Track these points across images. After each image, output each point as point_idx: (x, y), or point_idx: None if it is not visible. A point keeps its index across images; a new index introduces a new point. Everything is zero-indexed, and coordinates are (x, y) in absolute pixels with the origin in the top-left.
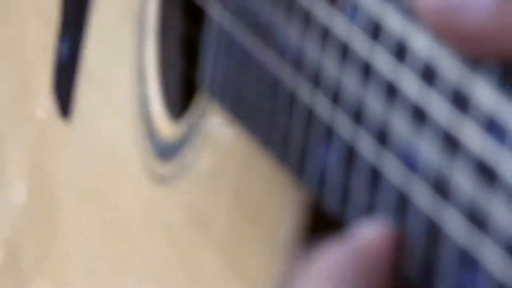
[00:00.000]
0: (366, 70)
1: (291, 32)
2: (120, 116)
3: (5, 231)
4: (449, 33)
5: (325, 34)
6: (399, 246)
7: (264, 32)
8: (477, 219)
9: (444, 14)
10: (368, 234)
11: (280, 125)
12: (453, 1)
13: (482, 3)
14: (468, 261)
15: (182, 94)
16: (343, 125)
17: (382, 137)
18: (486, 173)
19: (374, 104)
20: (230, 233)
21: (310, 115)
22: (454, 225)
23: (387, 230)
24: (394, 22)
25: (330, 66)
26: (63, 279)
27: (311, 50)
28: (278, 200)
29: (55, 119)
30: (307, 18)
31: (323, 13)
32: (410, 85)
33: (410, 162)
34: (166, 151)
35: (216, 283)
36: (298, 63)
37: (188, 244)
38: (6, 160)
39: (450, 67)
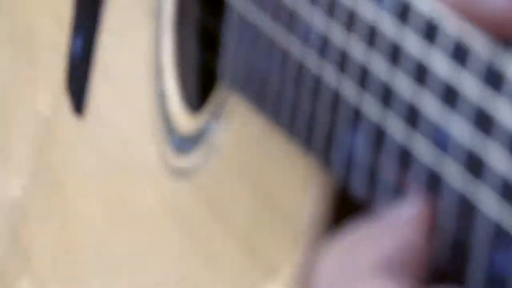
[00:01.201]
0: (394, 52)
1: (315, 17)
2: (137, 111)
3: (9, 224)
4: (473, 19)
5: (351, 17)
6: (433, 226)
7: (287, 18)
8: (510, 197)
9: (466, 3)
10: (403, 213)
11: (306, 111)
12: None
13: None
14: (501, 240)
15: (200, 87)
16: (371, 108)
17: (412, 118)
18: None
19: (403, 85)
20: (250, 223)
21: (336, 99)
22: (488, 203)
23: (422, 209)
24: (423, 3)
25: (357, 49)
26: (76, 276)
27: (337, 34)
28: (299, 188)
29: (65, 115)
30: (331, 2)
31: None
32: (441, 64)
33: (441, 142)
34: (184, 145)
35: (236, 272)
36: (323, 47)
37: (206, 235)
38: (10, 153)
39: (481, 45)
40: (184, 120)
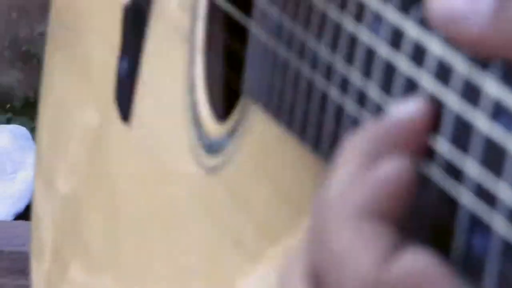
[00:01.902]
0: (388, 76)
1: (321, 48)
2: (173, 119)
3: (67, 214)
4: (456, 39)
5: (351, 47)
6: (433, 122)
7: (299, 47)
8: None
9: (450, 22)
10: (405, 109)
11: (313, 122)
12: (457, 11)
13: (480, 13)
14: (478, 226)
15: (226, 100)
16: (365, 119)
17: None
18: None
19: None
20: (268, 211)
21: (338, 113)
22: (467, 198)
23: (423, 106)
24: (413, 30)
25: (355, 74)
26: (120, 259)
27: (339, 61)
28: (309, 183)
29: (114, 122)
30: (334, 34)
31: (349, 28)
32: (427, 83)
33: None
34: (213, 147)
35: (256, 252)
36: (328, 71)
37: (231, 221)
38: (69, 153)
39: (461, 63)
40: (213, 127)
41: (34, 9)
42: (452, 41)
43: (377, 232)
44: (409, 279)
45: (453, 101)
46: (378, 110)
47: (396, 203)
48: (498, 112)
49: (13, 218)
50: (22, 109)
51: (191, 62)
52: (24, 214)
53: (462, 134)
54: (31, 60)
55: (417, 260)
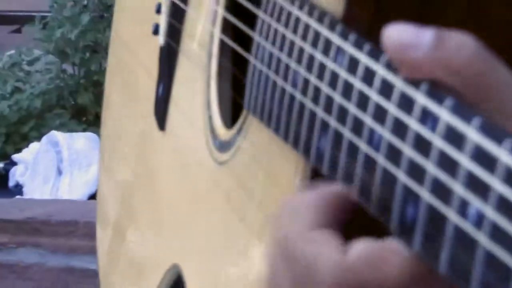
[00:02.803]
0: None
1: (299, 73)
2: (196, 128)
3: (124, 196)
4: (401, 60)
5: (321, 72)
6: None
7: (284, 73)
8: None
9: (400, 47)
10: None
11: (294, 128)
12: (406, 40)
13: (423, 44)
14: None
15: (232, 113)
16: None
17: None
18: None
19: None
20: (264, 192)
21: (312, 121)
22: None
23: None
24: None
25: (325, 89)
26: (161, 227)
27: (313, 81)
28: (291, 169)
29: (154, 130)
30: (308, 63)
31: (318, 58)
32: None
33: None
34: (223, 147)
35: (258, 225)
36: (305, 89)
37: (238, 202)
38: (125, 152)
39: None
40: (223, 132)
41: (101, 50)
42: (397, 63)
43: (326, 236)
44: (366, 259)
45: (391, 108)
46: (341, 113)
47: (337, 215)
48: (426, 117)
49: (87, 198)
50: (93, 121)
51: (208, 87)
52: (95, 195)
53: (398, 130)
54: (100, 86)
55: (366, 246)
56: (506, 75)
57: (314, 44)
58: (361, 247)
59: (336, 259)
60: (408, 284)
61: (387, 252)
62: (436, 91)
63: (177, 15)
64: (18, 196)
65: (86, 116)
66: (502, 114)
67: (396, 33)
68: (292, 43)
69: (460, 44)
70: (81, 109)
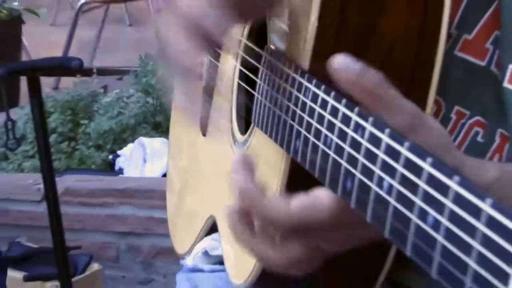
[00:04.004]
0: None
1: (289, 107)
2: (223, 134)
3: (181, 179)
4: (339, 79)
5: (303, 108)
6: None
7: (275, 101)
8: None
9: (340, 69)
10: None
11: (281, 136)
12: (342, 65)
13: (352, 69)
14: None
15: (244, 125)
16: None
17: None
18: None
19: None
20: (262, 171)
21: (299, 133)
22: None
23: None
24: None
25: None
26: (204, 192)
27: (297, 110)
28: (279, 158)
29: (199, 136)
30: (295, 99)
31: (299, 97)
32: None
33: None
34: (239, 145)
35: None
36: (293, 115)
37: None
38: (182, 151)
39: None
40: (239, 137)
41: None
42: (336, 80)
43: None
44: (303, 207)
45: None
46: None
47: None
48: (357, 127)
49: (161, 176)
50: (165, 131)
51: (230, 111)
52: (165, 175)
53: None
54: (169, 111)
55: (303, 198)
56: (394, 93)
57: (298, 90)
58: (300, 199)
59: (285, 208)
60: (335, 217)
61: (319, 199)
62: (378, 122)
63: (213, 66)
64: (120, 175)
65: (161, 128)
66: (393, 121)
67: (340, 59)
68: (281, 88)
69: (372, 75)
70: (157, 124)
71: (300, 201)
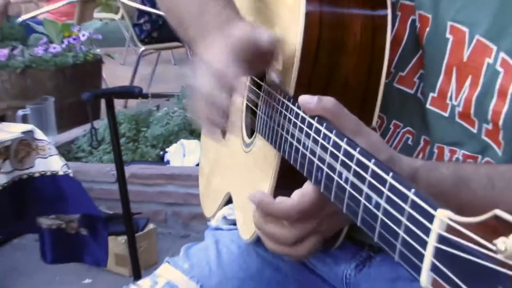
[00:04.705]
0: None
1: (279, 120)
2: (237, 138)
3: (208, 166)
4: (303, 106)
5: (294, 126)
6: None
7: (273, 118)
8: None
9: (305, 102)
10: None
11: (278, 141)
12: (305, 99)
13: (314, 99)
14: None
15: (250, 132)
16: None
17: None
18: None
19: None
20: (262, 164)
21: (291, 144)
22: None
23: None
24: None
25: (296, 132)
26: (225, 175)
27: (288, 126)
28: (273, 156)
29: (221, 140)
30: (288, 121)
31: (286, 123)
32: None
33: None
34: (247, 145)
35: (263, 175)
36: (283, 127)
37: (254, 166)
38: (208, 148)
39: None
40: (247, 140)
41: None
42: (302, 106)
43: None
44: (298, 202)
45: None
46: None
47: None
48: (325, 136)
49: (195, 165)
50: (198, 136)
51: (241, 123)
52: (198, 164)
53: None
54: None
55: (294, 197)
56: (346, 111)
57: (292, 121)
58: (295, 195)
59: (286, 206)
60: (317, 205)
61: (306, 191)
62: (338, 133)
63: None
64: (167, 165)
65: (195, 133)
66: (345, 130)
67: (304, 98)
68: (275, 108)
69: (327, 100)
70: (193, 131)
71: (296, 196)
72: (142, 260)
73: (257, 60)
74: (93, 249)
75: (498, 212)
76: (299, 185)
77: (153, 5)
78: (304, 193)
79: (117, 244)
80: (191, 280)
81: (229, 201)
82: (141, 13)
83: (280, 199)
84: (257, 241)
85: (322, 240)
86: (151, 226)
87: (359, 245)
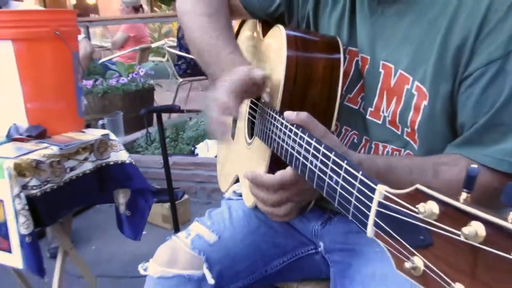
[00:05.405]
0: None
1: (271, 127)
2: (242, 138)
3: (222, 156)
4: (287, 118)
5: (286, 130)
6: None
7: (266, 125)
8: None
9: (288, 116)
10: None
11: (270, 140)
12: (289, 115)
13: (293, 114)
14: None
15: (250, 134)
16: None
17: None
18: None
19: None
20: (258, 158)
21: (282, 147)
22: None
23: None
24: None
25: (282, 137)
26: (235, 163)
27: (279, 133)
28: (266, 151)
29: (231, 140)
30: (280, 128)
31: (277, 130)
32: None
33: None
34: (249, 144)
35: (260, 168)
36: (272, 132)
37: (254, 158)
38: (223, 145)
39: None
40: (248, 140)
41: None
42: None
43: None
44: (282, 178)
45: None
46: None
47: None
48: (302, 138)
49: (214, 156)
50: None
51: (244, 128)
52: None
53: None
54: None
55: (279, 174)
56: (316, 121)
57: (283, 128)
58: (278, 173)
59: (272, 179)
60: (297, 183)
61: (287, 172)
62: (314, 137)
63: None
64: (197, 156)
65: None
66: (316, 134)
67: (287, 112)
68: (267, 118)
69: (303, 114)
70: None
71: (279, 174)
72: (180, 219)
73: (254, 88)
74: (131, 227)
75: (419, 186)
76: (283, 169)
77: (188, 52)
78: (285, 172)
79: (163, 208)
80: (212, 232)
81: (237, 180)
82: (179, 57)
83: (267, 175)
84: (256, 208)
85: (297, 207)
86: (186, 196)
87: (323, 210)
